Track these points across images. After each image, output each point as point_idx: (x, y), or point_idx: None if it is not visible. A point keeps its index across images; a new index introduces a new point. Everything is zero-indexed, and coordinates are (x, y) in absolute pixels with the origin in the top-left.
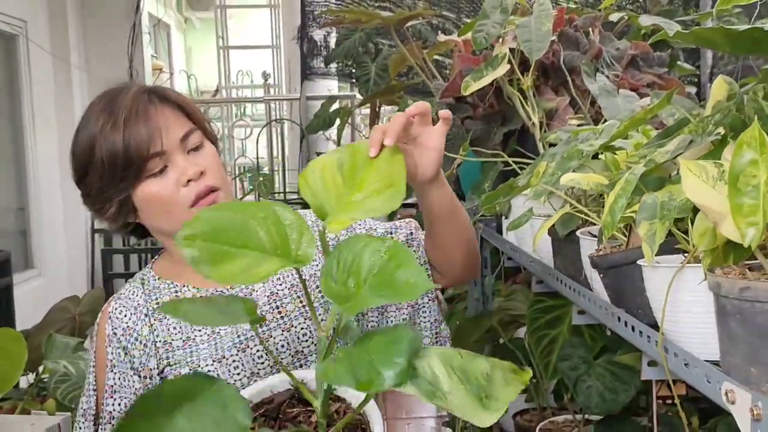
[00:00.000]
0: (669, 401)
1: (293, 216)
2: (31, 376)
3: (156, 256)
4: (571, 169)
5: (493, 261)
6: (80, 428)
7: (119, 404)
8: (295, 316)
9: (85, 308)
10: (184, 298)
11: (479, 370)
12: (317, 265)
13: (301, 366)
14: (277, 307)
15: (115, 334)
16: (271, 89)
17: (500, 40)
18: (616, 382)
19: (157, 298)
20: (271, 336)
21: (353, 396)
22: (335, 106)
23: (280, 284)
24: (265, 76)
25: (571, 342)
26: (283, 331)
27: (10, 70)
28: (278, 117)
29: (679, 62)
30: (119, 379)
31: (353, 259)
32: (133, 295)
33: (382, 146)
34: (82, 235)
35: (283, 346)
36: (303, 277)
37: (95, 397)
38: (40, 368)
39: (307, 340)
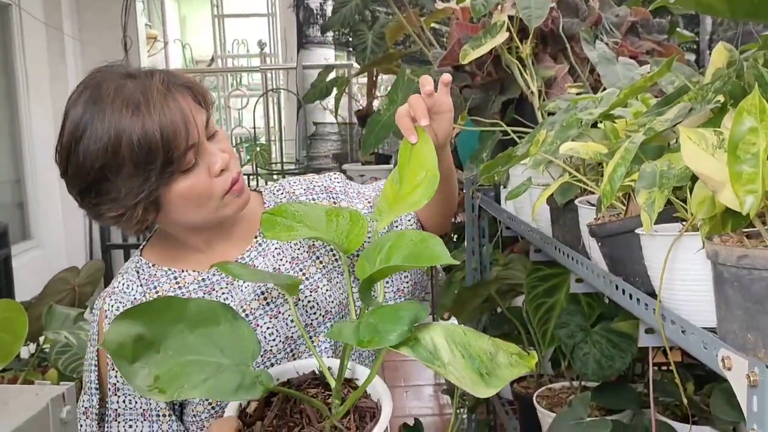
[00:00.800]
0: (664, 368)
1: (350, 212)
2: (32, 347)
3: (143, 243)
4: (570, 138)
5: (491, 231)
6: (82, 426)
7: (124, 401)
8: (281, 302)
9: (84, 279)
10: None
11: (482, 348)
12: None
13: (292, 352)
14: (262, 293)
15: None
16: (267, 58)
17: (499, 7)
18: (612, 349)
19: (155, 288)
20: (258, 325)
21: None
22: (332, 75)
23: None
24: (261, 45)
25: (569, 310)
26: (270, 318)
27: (3, 40)
28: (275, 87)
29: (678, 29)
30: (122, 376)
31: (388, 246)
32: (128, 289)
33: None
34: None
35: (271, 333)
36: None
37: (98, 396)
38: (41, 339)
39: (295, 326)
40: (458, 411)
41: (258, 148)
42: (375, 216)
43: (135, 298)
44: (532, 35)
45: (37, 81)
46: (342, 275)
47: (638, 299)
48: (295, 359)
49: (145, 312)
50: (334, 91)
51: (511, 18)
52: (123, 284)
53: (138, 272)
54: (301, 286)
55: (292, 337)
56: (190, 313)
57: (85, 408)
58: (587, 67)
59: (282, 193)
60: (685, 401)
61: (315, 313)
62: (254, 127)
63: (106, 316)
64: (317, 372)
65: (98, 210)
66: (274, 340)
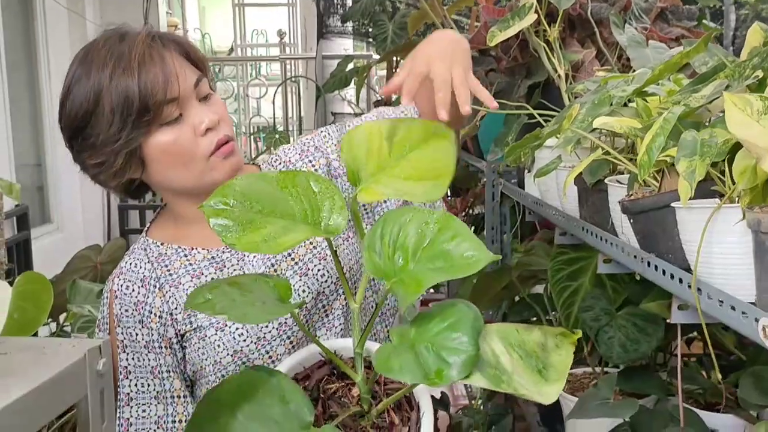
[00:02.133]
0: (685, 359)
1: (324, 184)
2: (53, 326)
3: (153, 218)
4: (602, 115)
5: (512, 221)
6: None
7: (135, 384)
8: (309, 258)
9: (106, 257)
10: (207, 285)
11: (535, 341)
12: None
13: (323, 308)
14: (272, 266)
15: (126, 312)
16: (286, 48)
17: None
18: (638, 333)
19: (166, 266)
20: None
21: None
22: (351, 65)
23: None
24: (281, 34)
25: (593, 294)
26: (300, 276)
27: (26, 26)
28: (294, 76)
29: (704, 21)
30: (132, 359)
31: (399, 232)
32: (136, 267)
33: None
34: (98, 191)
35: (304, 291)
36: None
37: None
38: (62, 317)
39: (326, 280)
40: (475, 400)
41: (277, 136)
42: (348, 174)
43: (144, 275)
44: (560, 18)
45: (58, 67)
46: (348, 240)
47: (672, 274)
48: (310, 330)
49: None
50: (354, 81)
51: (539, 1)
52: (131, 263)
53: (146, 251)
54: (310, 255)
55: (323, 292)
56: (225, 398)
57: None
58: (615, 52)
59: (279, 163)
60: (718, 377)
61: (326, 281)
62: (273, 116)
63: (116, 296)
64: (322, 356)
65: (82, 158)
66: (307, 296)
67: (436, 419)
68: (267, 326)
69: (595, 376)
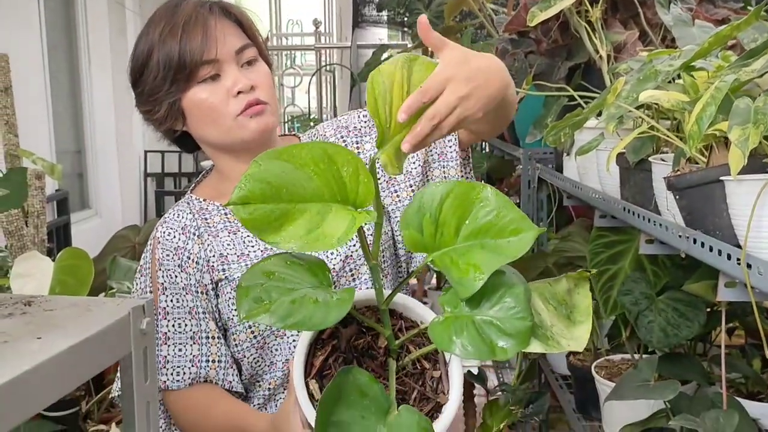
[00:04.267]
0: (727, 350)
1: (346, 155)
2: None
3: (198, 179)
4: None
5: (547, 209)
6: None
7: (173, 325)
8: None
9: (144, 237)
10: (246, 285)
11: (563, 289)
12: None
13: (351, 273)
14: None
15: (167, 256)
16: (321, 37)
17: None
18: (679, 318)
19: (206, 218)
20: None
21: (408, 309)
22: (386, 54)
23: None
24: (316, 23)
25: (633, 277)
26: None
27: (67, 14)
28: (328, 64)
29: (749, 6)
30: (171, 300)
31: (439, 208)
32: (178, 217)
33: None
34: (135, 178)
35: (332, 253)
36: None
37: (155, 321)
38: (101, 295)
39: (354, 244)
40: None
41: (312, 124)
42: (378, 135)
43: (185, 224)
44: None
45: (98, 55)
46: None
47: (719, 250)
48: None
49: None
50: None
51: None
52: (174, 214)
53: (188, 204)
54: None
55: (334, 268)
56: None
57: None
58: (659, 33)
59: (316, 137)
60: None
61: (354, 245)
62: (308, 105)
63: (159, 242)
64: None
65: (137, 104)
66: (335, 259)
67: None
68: None
69: (633, 362)
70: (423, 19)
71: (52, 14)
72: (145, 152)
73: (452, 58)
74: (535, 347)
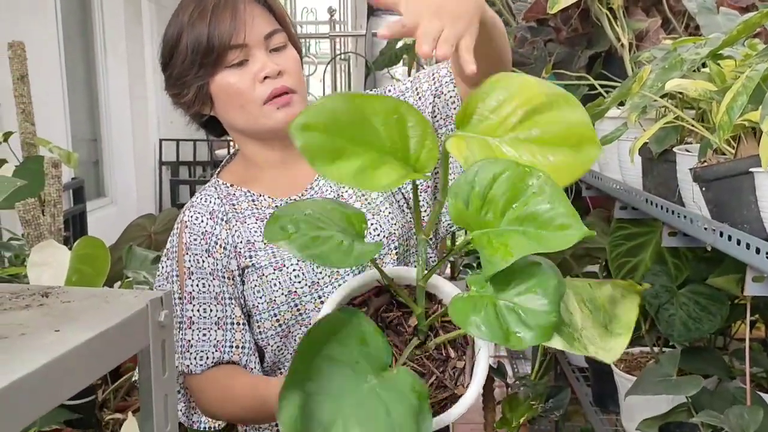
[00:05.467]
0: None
1: (418, 117)
2: None
3: (223, 163)
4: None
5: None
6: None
7: (198, 309)
8: (381, 201)
9: (160, 226)
10: (283, 213)
11: (605, 295)
12: None
13: (374, 259)
14: (364, 197)
15: (194, 241)
16: (336, 26)
17: None
18: (701, 312)
19: (233, 204)
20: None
21: (446, 295)
22: (401, 43)
23: None
24: (331, 11)
25: (654, 270)
26: (373, 215)
27: (82, 2)
28: (343, 52)
29: None
30: (197, 285)
31: (490, 185)
32: (206, 201)
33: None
34: (150, 166)
35: (376, 229)
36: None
37: (179, 306)
38: (117, 285)
39: (395, 223)
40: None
41: None
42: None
43: (213, 209)
44: None
45: (114, 43)
46: (405, 198)
47: (748, 244)
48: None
49: (297, 371)
50: (404, 59)
51: None
52: (202, 198)
53: (216, 188)
54: (364, 209)
55: (394, 233)
56: (316, 339)
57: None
58: (682, 21)
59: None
60: None
61: (378, 236)
62: (323, 93)
63: (186, 226)
64: (378, 283)
65: (166, 87)
66: (377, 236)
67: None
68: (321, 272)
69: (652, 356)
70: None
71: (67, 2)
72: (160, 140)
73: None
74: (556, 343)
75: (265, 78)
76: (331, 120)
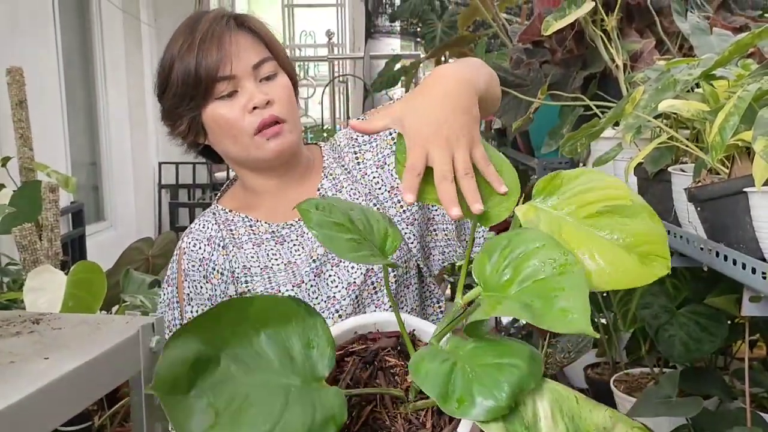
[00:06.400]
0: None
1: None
2: None
3: (224, 188)
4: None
5: None
6: None
7: None
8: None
9: (158, 250)
10: (321, 201)
11: (595, 423)
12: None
13: (373, 286)
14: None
15: (192, 267)
16: (334, 48)
17: None
18: (701, 332)
19: (231, 230)
20: (322, 271)
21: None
22: (399, 65)
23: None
24: (329, 34)
25: (652, 290)
26: (335, 264)
27: (83, 26)
28: (341, 74)
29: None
30: (197, 311)
31: (521, 254)
32: (204, 228)
33: None
34: (150, 190)
35: (334, 281)
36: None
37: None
38: (114, 308)
39: (357, 271)
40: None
41: (325, 134)
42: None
43: (211, 235)
44: (618, 7)
45: (113, 67)
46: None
47: (744, 264)
48: (359, 308)
49: (203, 322)
50: (402, 80)
51: None
52: (200, 224)
53: (214, 214)
54: (327, 256)
55: (355, 282)
56: (255, 311)
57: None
58: (676, 42)
59: (334, 147)
60: None
61: (337, 287)
62: (322, 115)
63: (185, 253)
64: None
65: (161, 117)
66: (336, 286)
67: None
68: (317, 298)
69: (653, 376)
70: (353, 123)
71: (68, 28)
72: (160, 164)
73: (406, 124)
74: (497, 430)
75: (254, 108)
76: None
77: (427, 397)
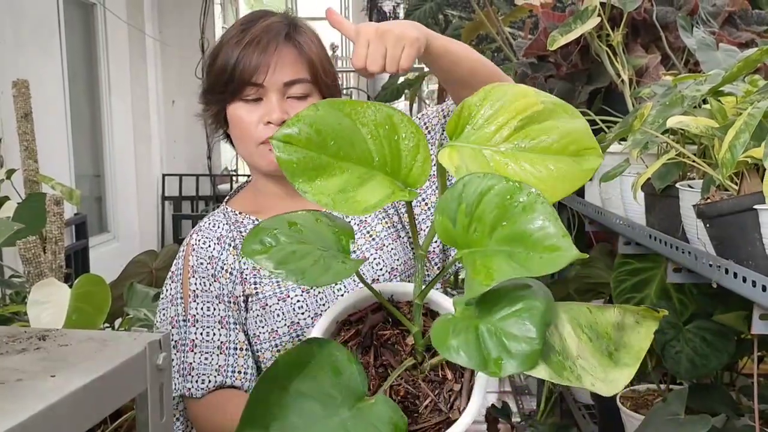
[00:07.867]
0: (751, 380)
1: (411, 128)
2: (109, 331)
3: (232, 192)
4: (674, 116)
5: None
6: (173, 360)
7: (201, 333)
8: (385, 236)
9: (161, 263)
10: (265, 226)
11: (609, 321)
12: None
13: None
14: (368, 232)
15: (201, 264)
16: (338, 61)
17: None
18: (707, 348)
19: (241, 231)
20: (365, 257)
21: (447, 311)
22: (402, 78)
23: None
24: (333, 47)
25: (659, 306)
26: (377, 250)
27: (87, 39)
28: (345, 88)
29: None
30: (202, 308)
31: (478, 201)
32: (214, 226)
33: None
34: (153, 202)
35: (378, 264)
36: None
37: (183, 329)
38: (117, 322)
39: (398, 259)
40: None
41: None
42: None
43: (221, 234)
44: (623, 22)
45: (118, 80)
46: (398, 240)
47: (753, 281)
48: None
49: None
50: (405, 93)
51: (602, 5)
52: (210, 223)
53: (224, 215)
54: (368, 245)
55: (396, 268)
56: (281, 374)
57: (175, 341)
58: (682, 57)
59: None
60: None
61: (381, 270)
62: None
63: (194, 250)
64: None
65: (200, 95)
66: (380, 270)
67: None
68: (325, 303)
69: (659, 393)
70: (330, 10)
71: (73, 41)
72: (163, 176)
73: (365, 26)
74: (541, 373)
75: (269, 122)
76: (316, 132)
77: (435, 353)
